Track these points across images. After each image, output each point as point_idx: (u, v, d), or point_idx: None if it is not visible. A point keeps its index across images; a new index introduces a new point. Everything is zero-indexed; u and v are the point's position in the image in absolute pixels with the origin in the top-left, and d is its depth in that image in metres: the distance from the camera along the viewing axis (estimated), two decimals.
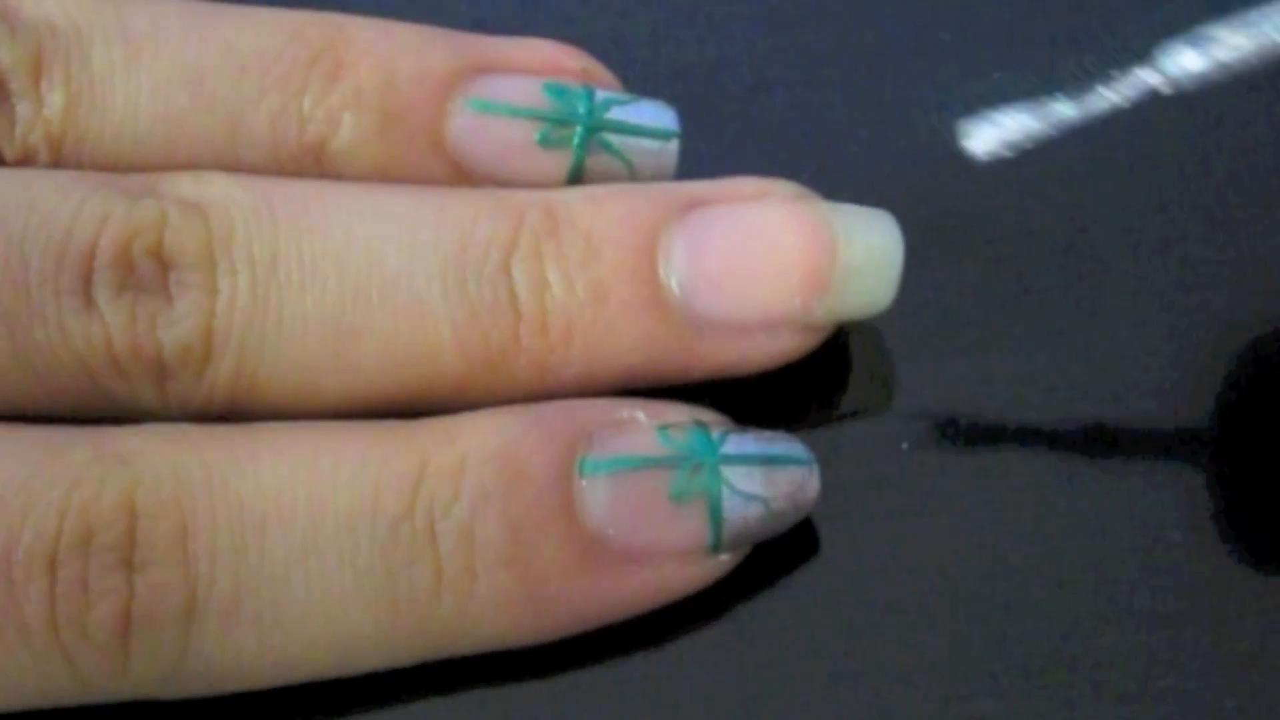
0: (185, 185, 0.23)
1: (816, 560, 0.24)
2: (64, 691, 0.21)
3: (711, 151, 0.27)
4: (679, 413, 0.23)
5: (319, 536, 0.21)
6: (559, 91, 0.25)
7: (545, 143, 0.24)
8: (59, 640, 0.21)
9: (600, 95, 0.25)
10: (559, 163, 0.24)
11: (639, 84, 0.27)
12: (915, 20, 0.29)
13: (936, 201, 0.24)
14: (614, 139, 0.25)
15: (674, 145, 0.25)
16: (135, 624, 0.21)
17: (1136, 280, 0.26)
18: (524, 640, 0.22)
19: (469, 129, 0.24)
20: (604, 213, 0.23)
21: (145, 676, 0.21)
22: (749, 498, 0.22)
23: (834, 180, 0.25)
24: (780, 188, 0.24)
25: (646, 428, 0.23)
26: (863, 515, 0.24)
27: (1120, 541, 0.24)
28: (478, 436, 0.22)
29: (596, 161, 0.25)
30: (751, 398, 0.24)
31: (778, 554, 0.23)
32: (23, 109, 0.24)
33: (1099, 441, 0.25)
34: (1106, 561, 0.24)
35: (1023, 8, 0.29)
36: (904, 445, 0.24)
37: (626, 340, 0.23)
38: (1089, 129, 0.24)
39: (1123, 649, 0.23)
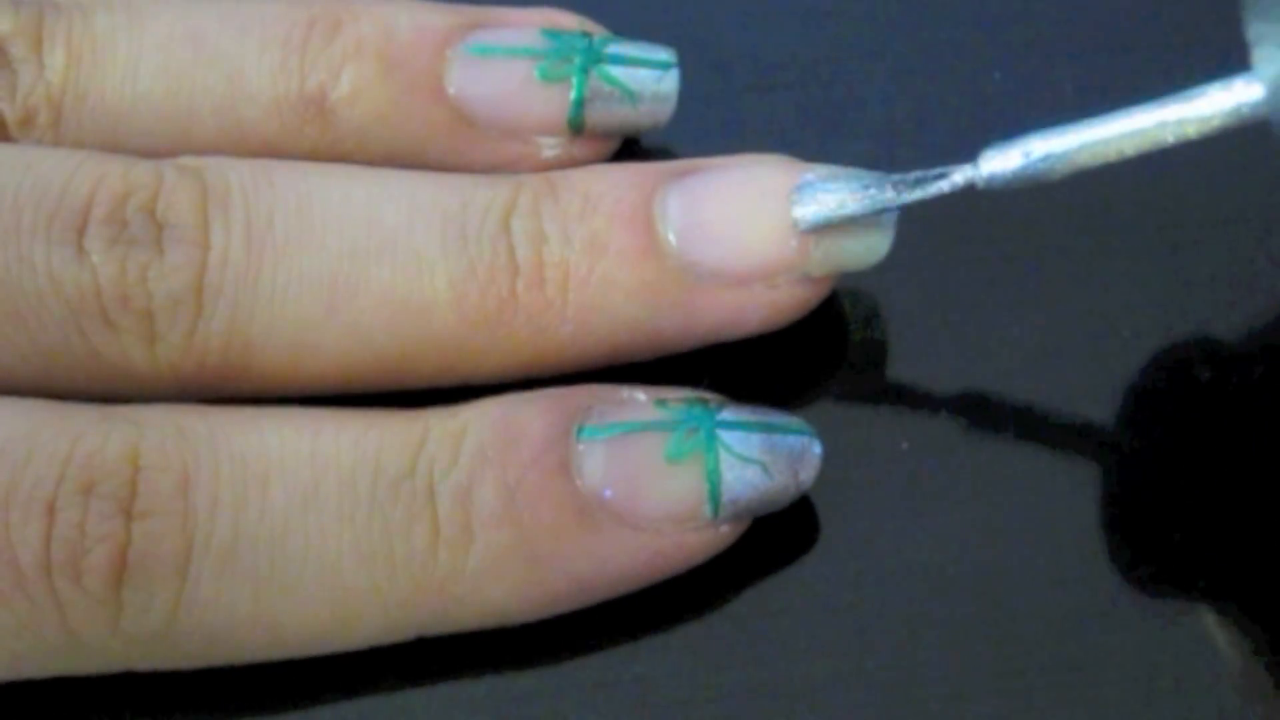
0: (184, 159, 0.23)
1: (816, 560, 0.24)
2: (52, 650, 0.21)
3: (711, 152, 0.27)
4: (678, 391, 0.23)
5: (320, 492, 0.21)
6: (556, 34, 0.25)
7: (545, 77, 0.24)
8: (51, 584, 0.21)
9: (596, 37, 0.25)
10: (560, 98, 0.25)
11: None
12: (915, 20, 0.29)
13: (937, 201, 0.24)
14: (613, 70, 0.25)
15: (673, 75, 0.25)
16: (130, 571, 0.21)
17: (1138, 280, 0.26)
18: (522, 610, 0.22)
19: (469, 72, 0.25)
20: (601, 176, 0.24)
21: (135, 634, 0.21)
22: (746, 460, 0.22)
23: None
24: (776, 157, 0.24)
25: (645, 403, 0.23)
26: (863, 515, 0.24)
27: (1120, 541, 0.24)
28: (479, 408, 0.22)
29: (597, 92, 0.25)
30: (752, 396, 0.24)
31: (778, 553, 0.23)
32: (25, 71, 0.24)
33: (1099, 441, 0.25)
34: (1106, 561, 0.24)
35: (1023, 8, 0.29)
36: (904, 445, 0.24)
37: (623, 291, 0.23)
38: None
39: (1122, 649, 0.23)
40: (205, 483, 0.21)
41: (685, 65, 0.26)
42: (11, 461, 0.21)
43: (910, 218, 0.24)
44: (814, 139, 0.27)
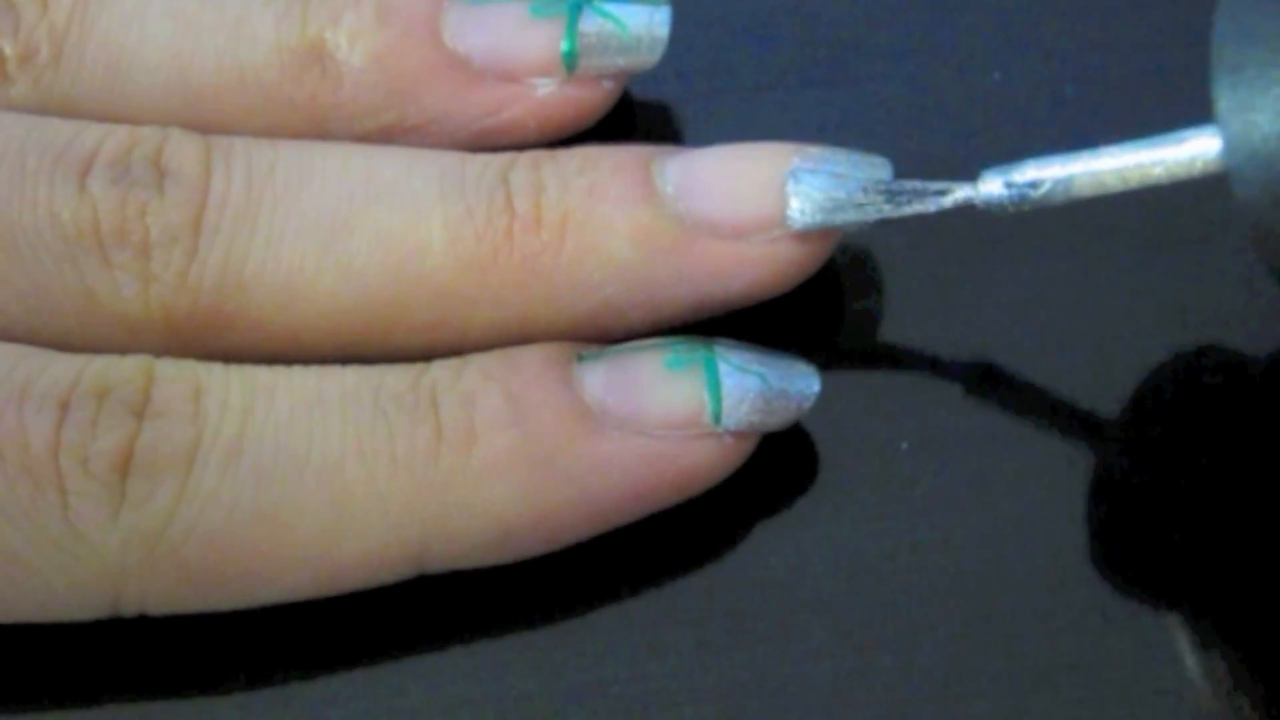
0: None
1: (816, 560, 0.24)
2: (50, 541, 0.21)
3: None
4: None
5: (324, 398, 0.22)
6: None
7: (538, 13, 0.25)
8: (57, 468, 0.21)
9: None
10: (553, 35, 0.25)
11: (639, 84, 0.27)
12: (916, 20, 0.29)
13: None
14: (607, 6, 0.25)
15: (666, 11, 0.25)
16: (136, 460, 0.21)
17: (1139, 280, 0.26)
18: (524, 518, 0.22)
19: (464, 16, 0.25)
20: (601, 148, 0.24)
21: (136, 525, 0.21)
22: (745, 370, 0.23)
23: None
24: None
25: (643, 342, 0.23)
26: (863, 515, 0.24)
27: (1120, 541, 0.24)
28: (479, 355, 0.23)
29: (590, 25, 0.25)
30: None
31: (777, 553, 0.23)
32: (28, 10, 0.24)
33: (1099, 441, 0.25)
34: (1105, 561, 0.24)
35: (1023, 8, 0.29)
36: (904, 445, 0.24)
37: (619, 235, 0.23)
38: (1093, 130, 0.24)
39: (1122, 649, 0.23)
40: (216, 390, 0.22)
41: (685, 66, 0.26)
42: (29, 366, 0.21)
43: (911, 217, 0.24)
44: (814, 139, 0.27)
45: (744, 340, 0.24)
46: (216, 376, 0.22)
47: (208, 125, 0.24)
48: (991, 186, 0.23)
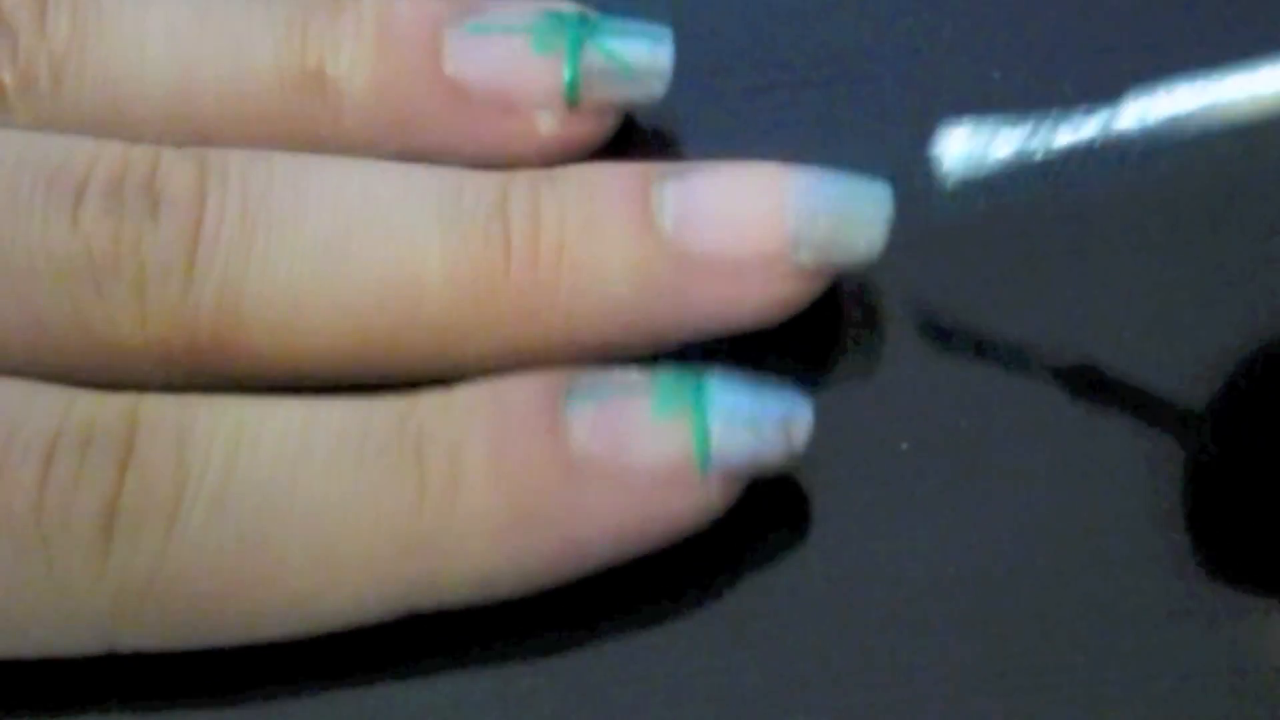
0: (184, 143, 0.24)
1: (816, 560, 0.24)
2: (38, 599, 0.21)
3: (711, 152, 0.27)
4: (669, 367, 0.23)
5: (309, 446, 0.22)
6: (553, 12, 0.25)
7: (540, 48, 0.25)
8: (40, 527, 0.21)
9: (594, 15, 0.25)
10: (555, 68, 0.25)
11: None
12: (915, 20, 0.29)
13: (937, 201, 0.24)
14: (609, 42, 0.25)
15: (668, 48, 0.25)
16: (119, 515, 0.21)
17: (1138, 280, 0.26)
18: (510, 570, 0.22)
19: (466, 46, 0.25)
20: (600, 168, 0.24)
21: (122, 578, 0.21)
22: (735, 417, 0.22)
23: None
24: (773, 162, 0.24)
25: (633, 371, 0.23)
26: (863, 515, 0.24)
27: (1120, 541, 0.24)
28: (469, 385, 0.22)
29: (593, 62, 0.25)
30: None
31: (777, 553, 0.23)
32: (26, 37, 0.24)
33: (1099, 441, 0.25)
34: (1106, 561, 0.24)
35: (1023, 10, 0.29)
36: (904, 445, 0.24)
37: (617, 273, 0.23)
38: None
39: (1122, 649, 0.23)
40: (200, 439, 0.21)
41: (685, 66, 0.26)
42: (10, 414, 0.21)
43: (911, 218, 0.24)
44: (814, 139, 0.27)
45: (743, 340, 0.24)
46: (201, 421, 0.22)
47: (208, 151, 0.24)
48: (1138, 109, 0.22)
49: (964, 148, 0.23)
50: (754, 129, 0.27)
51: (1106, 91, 0.26)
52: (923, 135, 0.27)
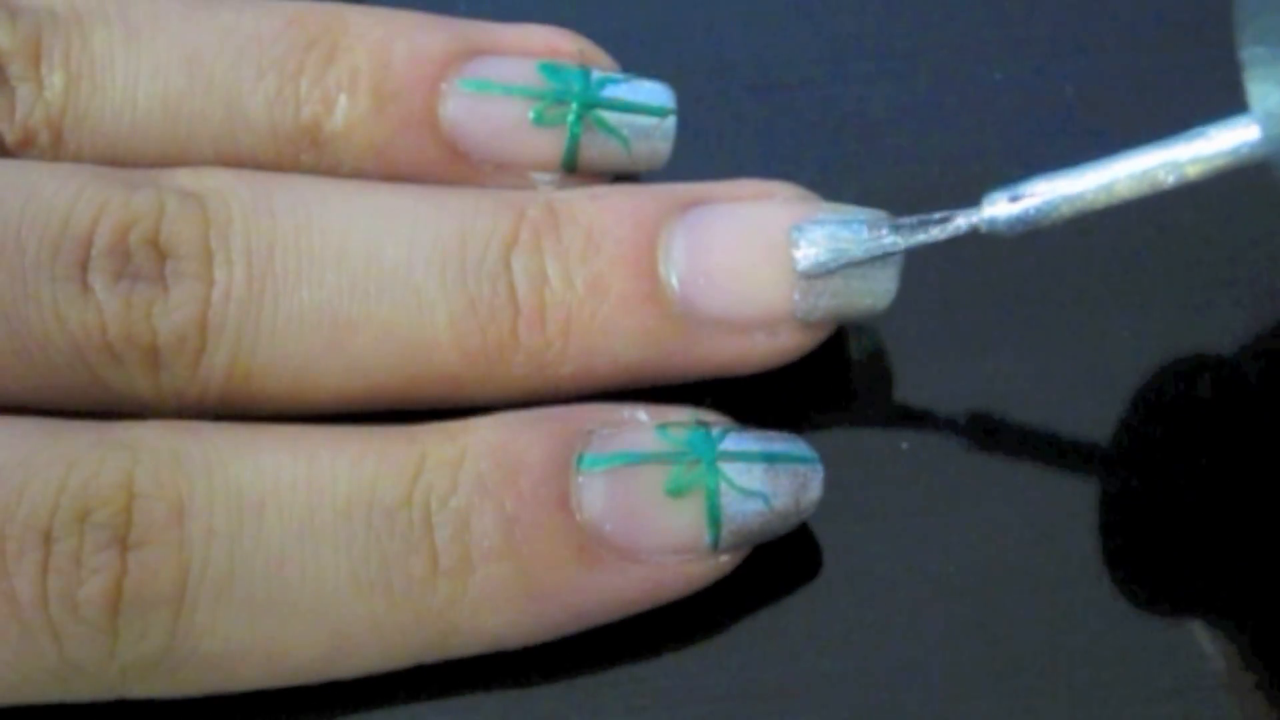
0: (184, 177, 0.23)
1: (816, 560, 0.24)
2: (50, 677, 0.21)
3: (711, 151, 0.27)
4: (681, 413, 0.23)
5: (316, 522, 0.21)
6: (553, 70, 0.25)
7: (540, 121, 0.24)
8: (48, 615, 0.20)
9: (595, 74, 0.25)
10: (554, 141, 0.24)
11: None
12: (916, 20, 0.29)
13: (937, 202, 0.24)
14: (609, 116, 0.25)
15: (670, 122, 0.25)
16: (126, 601, 0.21)
17: (1137, 281, 0.26)
18: (520, 638, 0.22)
19: (463, 108, 0.24)
20: (605, 208, 0.24)
21: (132, 661, 0.21)
22: (748, 494, 0.22)
23: (834, 181, 0.25)
24: (782, 189, 0.24)
25: (647, 426, 0.23)
26: (863, 515, 0.24)
27: (1120, 541, 0.24)
28: (478, 434, 0.22)
29: (592, 140, 0.25)
30: (752, 398, 0.24)
31: (777, 554, 0.23)
32: (23, 92, 0.24)
33: (1099, 444, 0.25)
34: (1105, 564, 0.24)
35: (1023, 8, 0.29)
36: (904, 445, 0.24)
37: (624, 336, 0.23)
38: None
39: (1122, 649, 0.23)
40: (200, 511, 0.21)
41: (686, 68, 0.26)
42: (5, 490, 0.21)
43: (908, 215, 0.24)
44: (815, 141, 0.27)
45: None
46: (200, 490, 0.21)
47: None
48: (995, 209, 0.23)
49: (823, 245, 0.23)
50: (754, 131, 0.27)
51: (1106, 91, 0.26)
52: (923, 135, 0.27)
